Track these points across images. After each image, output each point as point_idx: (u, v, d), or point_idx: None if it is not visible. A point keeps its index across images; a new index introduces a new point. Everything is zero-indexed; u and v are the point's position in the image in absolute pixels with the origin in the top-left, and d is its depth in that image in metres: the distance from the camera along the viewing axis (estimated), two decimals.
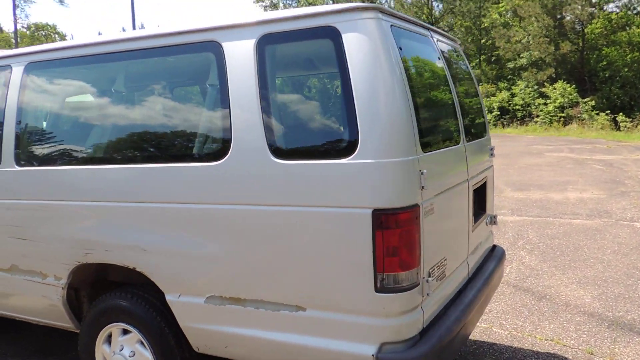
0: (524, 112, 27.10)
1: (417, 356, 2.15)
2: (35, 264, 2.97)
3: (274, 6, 38.17)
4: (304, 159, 2.23)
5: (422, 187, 2.22)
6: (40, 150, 3.00)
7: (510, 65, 30.18)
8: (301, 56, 2.55)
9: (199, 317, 2.51)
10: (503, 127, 26.90)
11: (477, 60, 34.94)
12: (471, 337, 3.79)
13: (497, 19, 32.72)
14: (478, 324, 3.99)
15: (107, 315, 2.77)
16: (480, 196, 3.30)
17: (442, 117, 2.85)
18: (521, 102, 27.21)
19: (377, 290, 2.14)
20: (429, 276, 2.34)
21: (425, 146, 2.31)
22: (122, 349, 2.75)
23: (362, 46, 2.15)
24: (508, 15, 32.76)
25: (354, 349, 2.20)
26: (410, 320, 2.21)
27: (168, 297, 2.57)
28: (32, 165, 2.96)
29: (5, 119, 3.04)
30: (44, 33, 59.89)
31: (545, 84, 26.51)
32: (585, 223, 7.02)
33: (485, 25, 33.46)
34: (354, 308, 2.20)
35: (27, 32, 58.68)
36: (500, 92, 28.55)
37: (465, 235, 2.92)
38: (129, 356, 2.71)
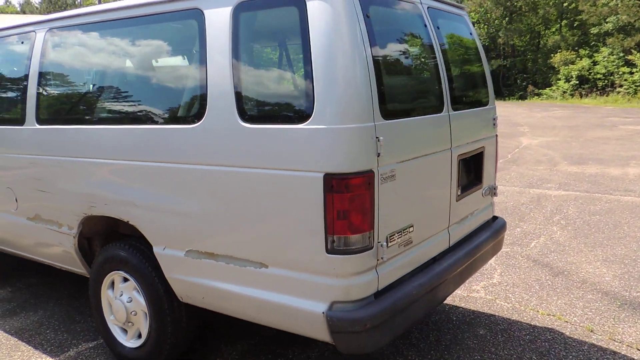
0: (606, 81, 25.27)
1: (364, 316, 2.24)
2: (53, 214, 3.32)
3: None
4: (268, 123, 2.34)
5: (379, 154, 2.27)
6: (54, 110, 3.32)
7: (594, 30, 28.06)
8: (272, 24, 2.61)
9: (180, 269, 2.73)
10: (580, 97, 25.30)
11: (558, 25, 32.76)
12: (472, 307, 3.80)
13: None
14: (483, 295, 3.98)
15: (110, 264, 3.06)
16: (475, 166, 3.26)
17: (418, 85, 2.84)
18: (603, 71, 25.37)
19: (328, 251, 2.24)
20: (387, 241, 2.40)
21: (388, 114, 2.34)
22: (121, 295, 3.04)
23: (324, 14, 2.20)
24: None
25: (307, 306, 2.33)
26: (361, 282, 2.30)
27: (155, 249, 2.80)
28: (49, 123, 3.27)
29: (28, 81, 3.37)
30: None
31: (633, 51, 24.47)
32: (636, 200, 6.62)
33: None
34: (308, 267, 2.32)
35: None
36: (581, 59, 26.72)
37: (446, 204, 2.92)
38: (127, 301, 3.01)
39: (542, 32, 33.74)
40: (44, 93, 3.34)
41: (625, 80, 23.94)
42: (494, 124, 3.48)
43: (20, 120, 3.42)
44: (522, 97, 29.28)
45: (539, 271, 4.41)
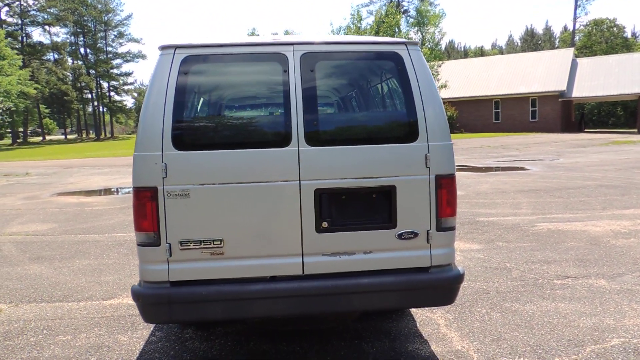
0: None
1: (139, 292, 3.08)
2: None
3: None
4: None
5: (164, 176, 3.07)
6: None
7: None
8: None
9: None
10: None
11: None
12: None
13: None
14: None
15: None
16: (375, 205, 3.27)
17: (239, 125, 3.47)
18: None
19: (137, 242, 3.17)
20: (180, 245, 3.11)
21: (183, 146, 3.09)
22: None
23: (154, 68, 3.16)
24: None
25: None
26: (152, 269, 3.13)
27: None
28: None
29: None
30: (603, 27, 61.97)
31: None
32: None
33: None
34: None
35: (585, 29, 63.25)
36: None
37: (294, 233, 3.17)
38: None
39: None
40: None
41: None
42: (427, 164, 3.21)
43: None
44: None
45: None
